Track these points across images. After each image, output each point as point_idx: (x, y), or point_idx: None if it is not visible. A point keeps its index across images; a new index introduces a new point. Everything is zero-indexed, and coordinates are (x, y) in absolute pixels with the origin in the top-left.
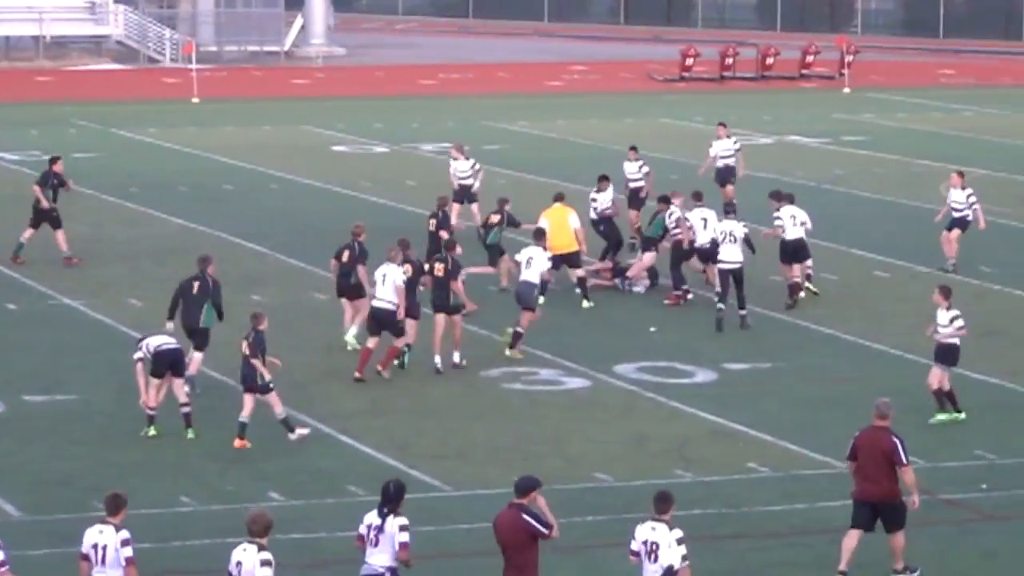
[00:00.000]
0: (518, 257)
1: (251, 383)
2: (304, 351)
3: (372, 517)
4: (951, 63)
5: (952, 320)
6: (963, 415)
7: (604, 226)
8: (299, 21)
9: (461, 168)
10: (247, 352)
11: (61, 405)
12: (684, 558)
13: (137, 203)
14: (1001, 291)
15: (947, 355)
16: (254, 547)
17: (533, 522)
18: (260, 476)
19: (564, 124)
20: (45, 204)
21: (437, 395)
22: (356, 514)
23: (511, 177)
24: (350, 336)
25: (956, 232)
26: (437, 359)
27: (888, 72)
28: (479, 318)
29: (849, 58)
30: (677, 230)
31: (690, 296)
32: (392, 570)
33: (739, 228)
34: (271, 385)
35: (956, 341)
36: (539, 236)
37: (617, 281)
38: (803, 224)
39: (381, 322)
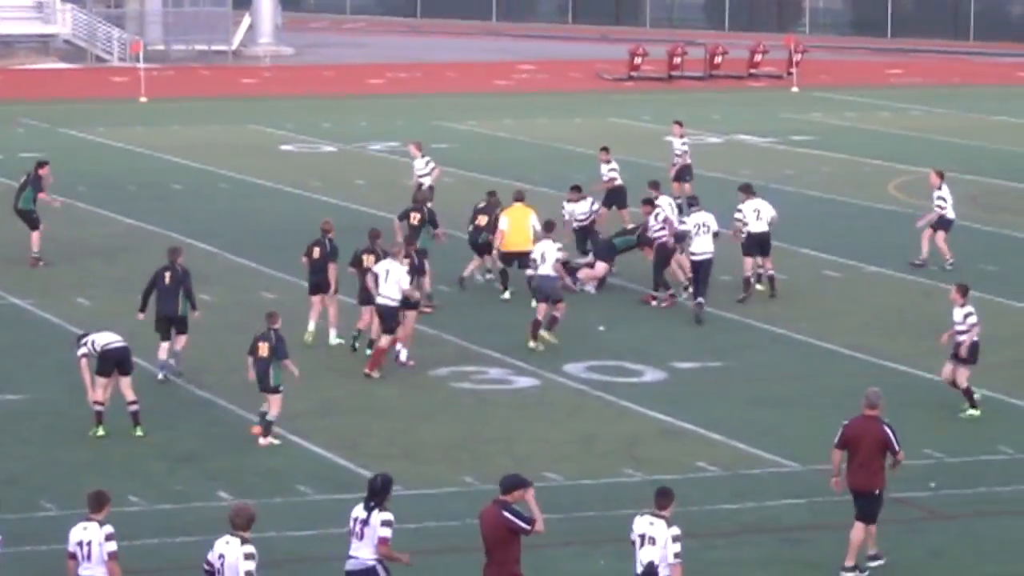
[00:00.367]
0: (532, 255)
1: (263, 382)
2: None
3: (359, 511)
4: (899, 62)
5: (966, 317)
6: (978, 412)
7: (585, 235)
8: (247, 20)
9: (418, 166)
10: (266, 353)
11: (9, 404)
12: (677, 555)
13: (85, 202)
14: (948, 290)
15: (971, 353)
16: (237, 540)
17: (513, 518)
18: (209, 475)
19: (513, 123)
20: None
21: (386, 395)
22: (305, 513)
23: (460, 176)
24: (332, 338)
25: (941, 233)
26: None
27: (836, 71)
28: (430, 319)
29: (797, 57)
30: (662, 232)
31: (676, 300)
32: (380, 562)
33: (712, 220)
34: (281, 388)
35: (976, 338)
36: (548, 228)
37: (568, 280)
38: (770, 218)
39: (390, 319)
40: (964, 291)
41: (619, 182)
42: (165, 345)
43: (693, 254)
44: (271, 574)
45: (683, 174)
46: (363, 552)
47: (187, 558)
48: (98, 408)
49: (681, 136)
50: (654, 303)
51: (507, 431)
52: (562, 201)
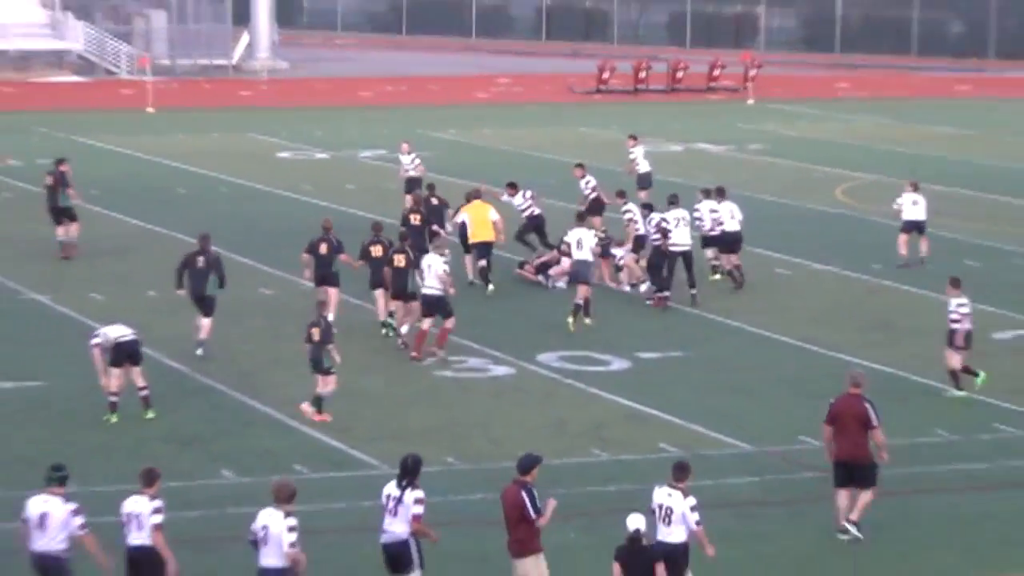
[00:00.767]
0: (568, 239)
1: (317, 364)
2: (251, 342)
3: (391, 488)
4: (847, 77)
5: (959, 307)
6: (982, 375)
7: (532, 229)
8: (245, 37)
9: (405, 161)
10: (317, 338)
11: (28, 391)
12: (698, 522)
13: (97, 205)
14: (891, 286)
15: (965, 340)
16: (280, 512)
17: (527, 500)
18: (212, 456)
19: (490, 132)
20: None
21: (375, 383)
22: (301, 490)
23: (441, 181)
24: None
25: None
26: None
27: (789, 85)
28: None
29: (753, 72)
30: (657, 237)
31: (669, 302)
32: (413, 536)
33: (687, 215)
34: (333, 369)
35: (969, 326)
36: (581, 218)
37: (541, 277)
38: (740, 219)
39: (431, 306)
40: (956, 283)
41: (597, 195)
42: (206, 322)
43: (675, 245)
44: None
45: (644, 181)
46: (397, 527)
47: (194, 530)
48: (112, 398)
49: (632, 148)
50: (649, 302)
51: (485, 416)
52: (503, 197)
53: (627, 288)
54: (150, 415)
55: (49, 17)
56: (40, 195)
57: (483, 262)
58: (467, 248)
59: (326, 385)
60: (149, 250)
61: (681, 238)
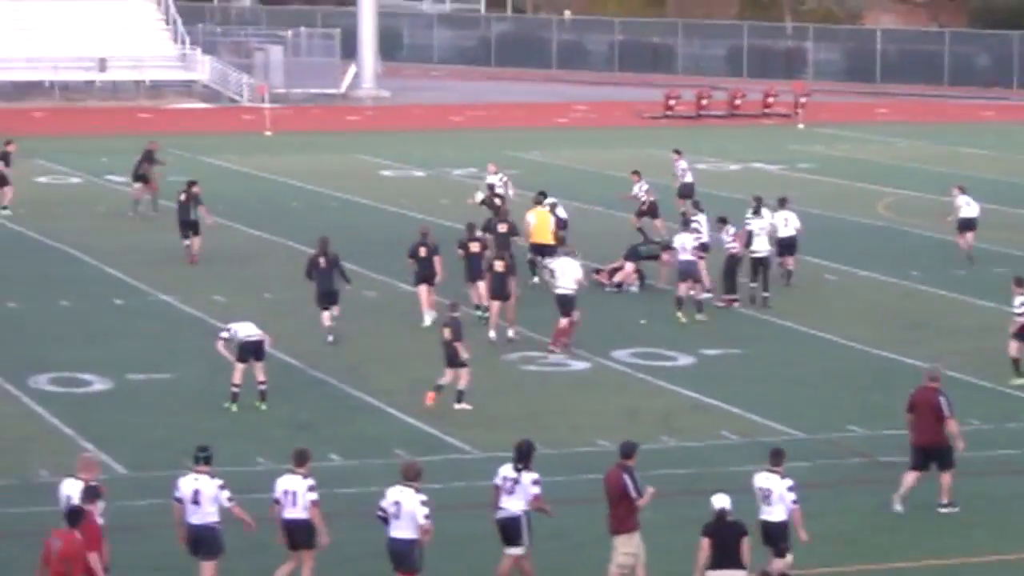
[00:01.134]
0: (674, 244)
1: (453, 359)
2: (357, 339)
3: (507, 470)
4: (886, 104)
5: (1022, 304)
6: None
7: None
8: (352, 69)
9: (493, 180)
10: (448, 336)
11: (159, 383)
12: (795, 502)
13: (220, 218)
14: (927, 291)
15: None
16: (411, 489)
17: (629, 482)
18: (321, 441)
19: (569, 153)
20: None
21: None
22: (397, 474)
23: (527, 197)
24: (427, 318)
25: (969, 233)
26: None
27: (834, 111)
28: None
29: (803, 99)
30: (733, 243)
31: (737, 304)
32: (526, 513)
33: (768, 225)
34: (467, 362)
35: None
36: (687, 224)
37: (609, 281)
38: (796, 227)
39: (567, 304)
40: (1019, 282)
41: (652, 199)
42: (326, 314)
43: (755, 252)
44: (371, 523)
45: (686, 191)
46: (513, 504)
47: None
48: (235, 389)
49: (677, 161)
50: (720, 304)
51: (564, 406)
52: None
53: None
54: (263, 407)
55: (180, 51)
56: (171, 209)
57: (538, 258)
58: (531, 248)
59: (461, 379)
60: (266, 258)
61: (761, 245)
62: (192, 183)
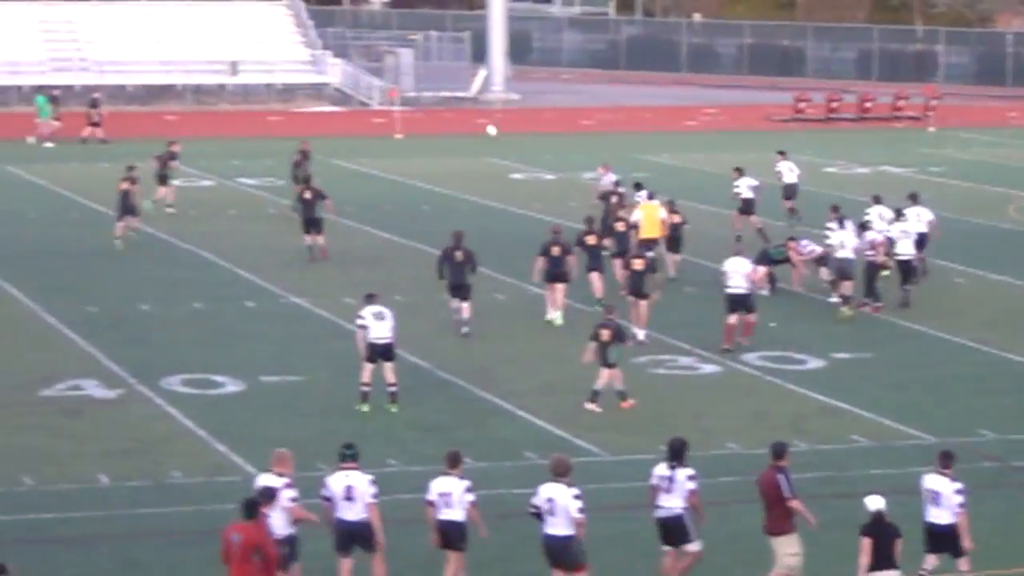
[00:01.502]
0: (831, 241)
1: (607, 360)
2: (486, 341)
3: (662, 469)
4: (1016, 107)
5: None
6: None
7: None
8: (483, 72)
9: (605, 182)
10: (607, 338)
11: (290, 384)
12: (961, 506)
13: (351, 220)
14: None
15: None
16: (562, 484)
17: (784, 482)
18: (453, 443)
19: (698, 156)
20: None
21: (595, 377)
22: (532, 476)
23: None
24: (558, 317)
25: None
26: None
27: (965, 115)
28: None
29: (933, 103)
30: (871, 251)
31: (880, 308)
32: (686, 510)
33: (910, 228)
34: (616, 363)
35: None
36: (864, 229)
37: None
38: (928, 221)
39: (739, 303)
40: None
41: (747, 195)
42: (464, 305)
43: (898, 255)
44: (501, 525)
45: (789, 192)
46: (672, 502)
47: None
48: (365, 389)
49: (779, 163)
50: (866, 308)
51: (695, 409)
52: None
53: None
54: (393, 409)
55: (311, 55)
56: (298, 209)
57: (650, 254)
58: (640, 243)
59: (615, 378)
60: (396, 260)
61: (905, 248)
62: (307, 179)
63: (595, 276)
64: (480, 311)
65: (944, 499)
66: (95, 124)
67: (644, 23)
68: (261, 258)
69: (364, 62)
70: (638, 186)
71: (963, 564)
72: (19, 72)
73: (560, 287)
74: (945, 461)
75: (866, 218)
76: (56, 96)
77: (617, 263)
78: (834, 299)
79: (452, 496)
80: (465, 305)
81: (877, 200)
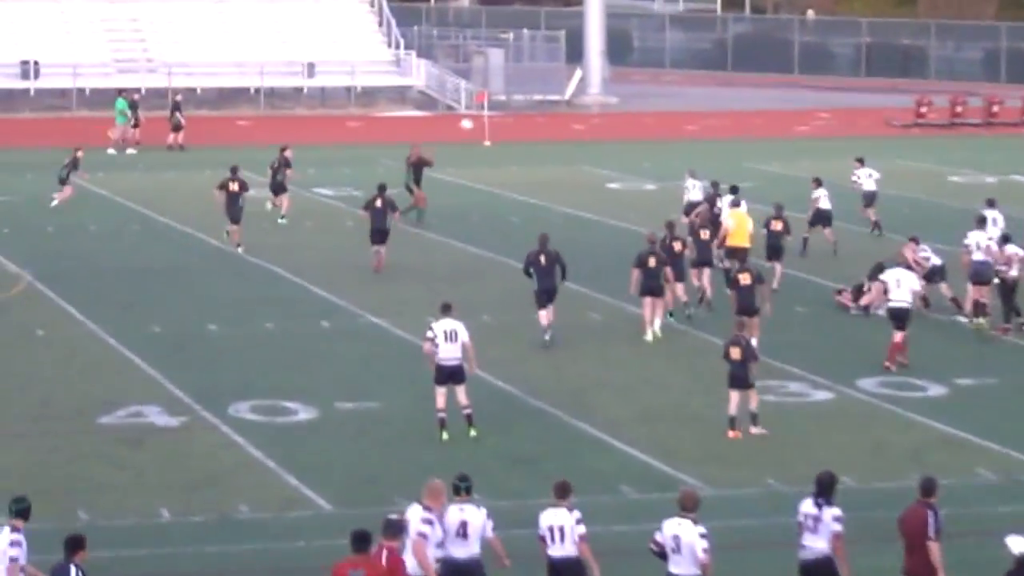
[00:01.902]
0: (967, 241)
1: (742, 381)
2: (580, 363)
3: (808, 506)
4: None
5: None
6: None
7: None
8: (578, 74)
9: (691, 188)
10: (738, 357)
11: (367, 411)
12: None
13: (435, 232)
14: None
15: None
16: (688, 521)
17: (931, 520)
18: (542, 475)
19: (810, 165)
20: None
21: (696, 404)
22: (628, 512)
23: (763, 212)
24: (657, 329)
25: None
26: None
27: None
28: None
29: None
30: (1004, 265)
31: (1008, 329)
32: (835, 553)
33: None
34: (755, 382)
35: None
36: (1006, 241)
37: (853, 304)
38: None
39: (903, 319)
40: None
41: (824, 206)
42: (543, 313)
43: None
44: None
45: (868, 199)
46: (818, 544)
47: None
48: (440, 415)
49: (857, 170)
50: (1006, 335)
51: (805, 439)
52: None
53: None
54: (472, 433)
55: (393, 55)
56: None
57: (735, 263)
58: (727, 252)
59: (751, 400)
60: (483, 277)
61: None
62: (383, 187)
63: (678, 287)
64: (573, 331)
65: None
66: (178, 129)
67: (753, 20)
68: (338, 274)
69: (451, 63)
70: (734, 189)
71: None
72: (81, 74)
73: (658, 301)
74: None
75: (990, 229)
76: (136, 100)
77: (694, 272)
78: (961, 318)
79: (564, 529)
80: (544, 313)
81: (991, 204)
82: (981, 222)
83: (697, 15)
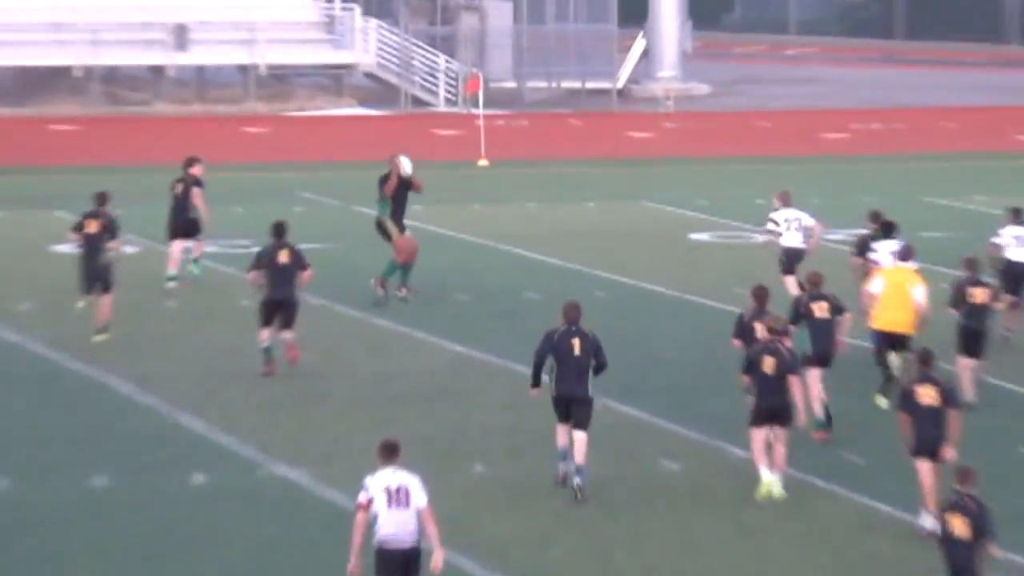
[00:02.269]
0: None
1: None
2: (643, 540)
3: None
4: None
5: None
6: None
7: None
8: (639, 44)
9: (781, 218)
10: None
11: None
12: None
13: (390, 318)
14: None
15: None
16: None
17: None
18: None
19: None
20: None
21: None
22: None
23: (941, 273)
24: (776, 482)
25: None
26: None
27: None
28: None
29: None
30: None
31: None
32: None
33: None
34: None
35: None
36: None
37: None
38: None
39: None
40: None
41: (1017, 256)
42: (564, 431)
43: None
44: None
45: None
46: None
47: None
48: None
49: None
50: None
51: None
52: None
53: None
54: None
55: (324, 15)
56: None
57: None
58: (876, 338)
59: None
60: (473, 395)
61: None
62: (281, 228)
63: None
64: (628, 480)
65: None
66: None
67: None
68: (221, 387)
69: (422, 26)
70: (887, 229)
71: None
72: None
73: (779, 431)
74: None
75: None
76: None
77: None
78: None
79: None
80: (565, 431)
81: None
82: None
83: None
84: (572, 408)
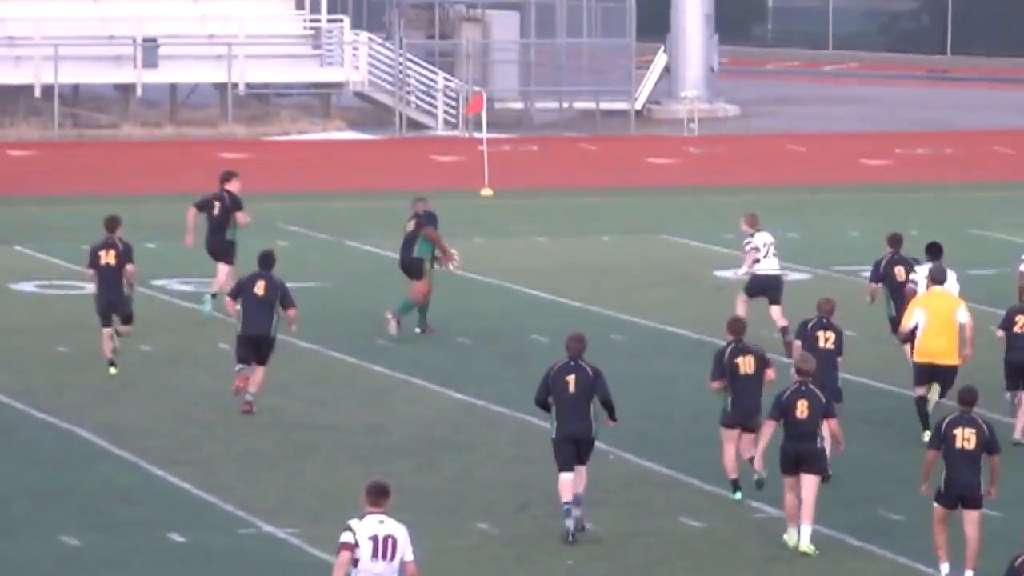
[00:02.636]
0: None
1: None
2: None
3: None
4: None
5: None
6: None
7: None
8: (660, 60)
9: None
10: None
11: None
12: None
13: (383, 363)
14: None
15: None
16: None
17: None
18: None
19: None
20: None
21: None
22: None
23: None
24: (805, 539)
25: None
26: None
27: None
28: None
29: None
30: None
31: None
32: None
33: None
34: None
35: None
36: None
37: None
38: None
39: None
40: None
41: None
42: (568, 479)
43: None
44: None
45: None
46: None
47: None
48: None
49: None
50: None
51: None
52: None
53: None
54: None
55: (310, 27)
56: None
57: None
58: (919, 372)
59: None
60: (477, 448)
61: None
62: (268, 258)
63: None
64: (643, 535)
65: None
66: None
67: None
68: (192, 436)
69: (420, 39)
70: (934, 251)
71: None
72: None
73: (810, 479)
74: None
75: None
76: None
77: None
78: None
79: None
80: (568, 478)
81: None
82: None
83: None
84: (575, 448)
